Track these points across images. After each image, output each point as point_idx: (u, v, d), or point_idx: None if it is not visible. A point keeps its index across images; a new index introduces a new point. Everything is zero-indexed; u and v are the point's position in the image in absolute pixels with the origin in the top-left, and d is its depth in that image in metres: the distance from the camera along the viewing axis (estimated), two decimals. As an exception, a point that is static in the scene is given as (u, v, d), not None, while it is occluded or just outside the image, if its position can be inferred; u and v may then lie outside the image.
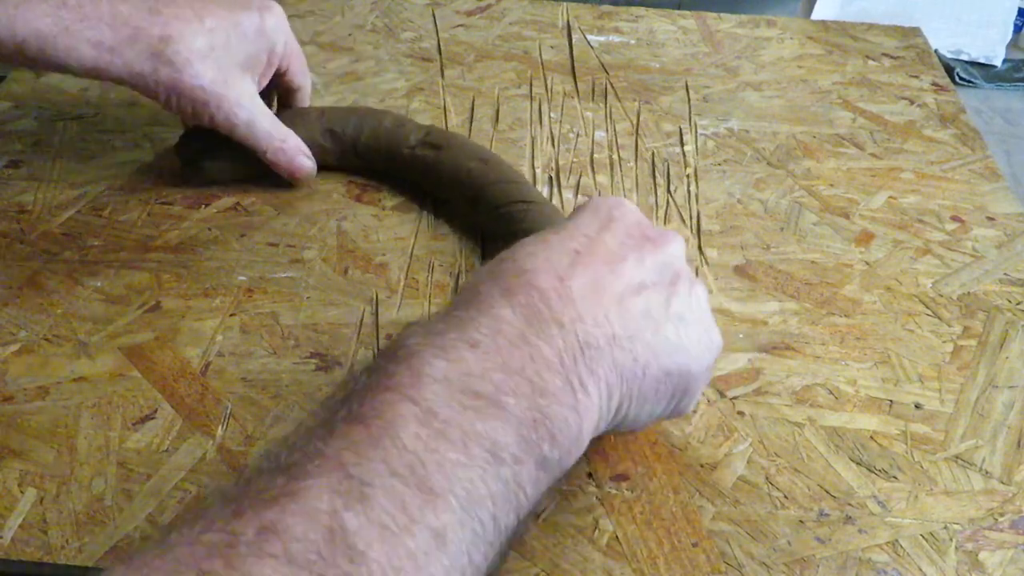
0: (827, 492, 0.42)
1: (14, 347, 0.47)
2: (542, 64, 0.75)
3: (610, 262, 0.36)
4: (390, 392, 0.30)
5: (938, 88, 0.75)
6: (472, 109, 0.69)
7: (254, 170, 0.58)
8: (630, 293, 0.35)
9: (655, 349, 0.35)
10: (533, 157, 0.63)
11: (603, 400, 0.34)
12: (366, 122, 0.59)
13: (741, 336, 0.50)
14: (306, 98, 0.62)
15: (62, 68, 0.51)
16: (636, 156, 0.64)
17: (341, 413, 0.30)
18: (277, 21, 0.56)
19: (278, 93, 0.62)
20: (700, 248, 0.56)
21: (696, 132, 0.67)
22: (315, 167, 0.58)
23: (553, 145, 0.65)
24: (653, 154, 0.65)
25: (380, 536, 0.26)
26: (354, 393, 0.31)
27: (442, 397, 0.30)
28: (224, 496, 0.28)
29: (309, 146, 0.58)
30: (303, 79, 0.61)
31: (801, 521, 0.41)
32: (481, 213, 0.55)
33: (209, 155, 0.58)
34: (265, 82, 0.58)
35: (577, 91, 0.72)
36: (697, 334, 0.37)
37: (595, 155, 0.64)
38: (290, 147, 0.57)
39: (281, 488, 0.27)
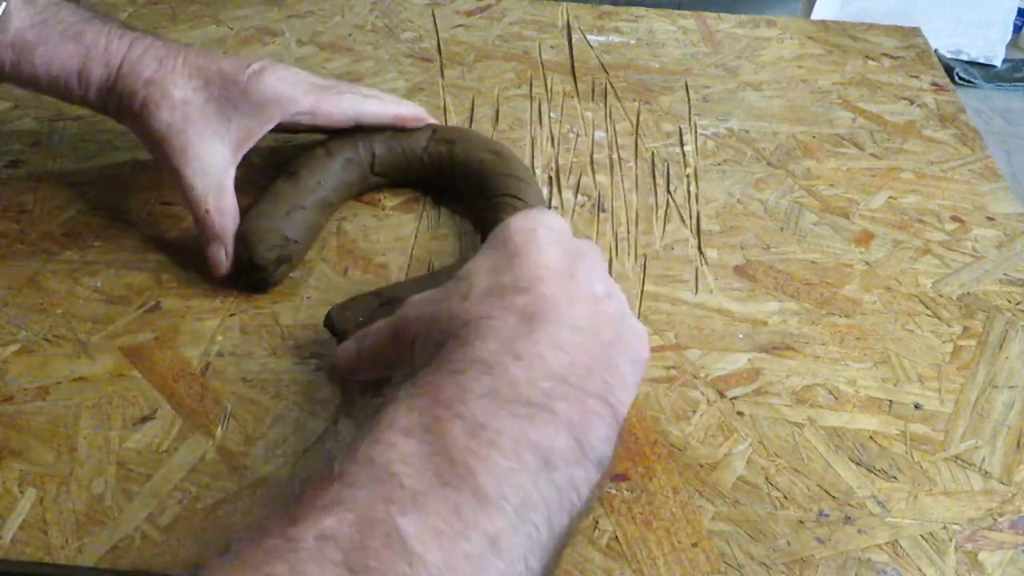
0: (827, 492, 0.42)
1: (14, 347, 0.47)
2: (542, 64, 0.75)
3: (629, 351, 0.38)
4: (438, 407, 0.31)
5: (938, 88, 0.75)
6: (472, 109, 0.69)
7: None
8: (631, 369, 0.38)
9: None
10: (533, 157, 0.64)
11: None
12: (375, 139, 0.57)
13: (741, 336, 0.50)
14: (399, 121, 0.57)
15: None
16: (636, 156, 0.64)
17: (386, 419, 0.31)
18: (275, 79, 0.52)
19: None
20: (700, 248, 0.56)
21: (696, 132, 0.67)
22: (226, 268, 0.51)
23: (553, 145, 0.65)
24: (653, 154, 0.65)
25: (436, 540, 0.27)
26: (399, 401, 0.31)
27: (490, 410, 0.30)
28: (277, 511, 0.29)
29: (332, 181, 0.55)
30: (350, 116, 0.56)
31: (801, 521, 0.41)
32: (479, 201, 0.55)
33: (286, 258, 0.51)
34: (250, 143, 0.53)
35: (577, 91, 0.72)
36: None
37: (595, 155, 0.64)
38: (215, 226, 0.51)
39: (335, 496, 0.28)
